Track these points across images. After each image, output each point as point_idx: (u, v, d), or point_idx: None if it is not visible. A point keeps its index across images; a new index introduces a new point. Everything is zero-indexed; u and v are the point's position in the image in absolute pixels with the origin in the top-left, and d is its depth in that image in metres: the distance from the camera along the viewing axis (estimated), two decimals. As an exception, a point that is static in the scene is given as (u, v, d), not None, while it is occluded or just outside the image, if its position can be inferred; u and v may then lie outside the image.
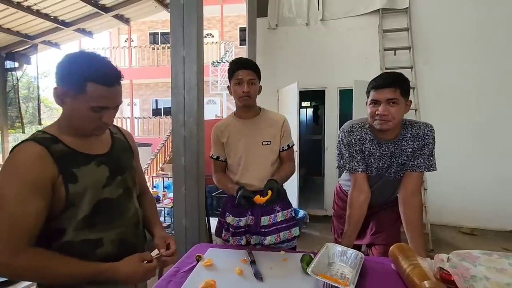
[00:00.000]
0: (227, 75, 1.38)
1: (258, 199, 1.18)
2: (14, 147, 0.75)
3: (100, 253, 0.82)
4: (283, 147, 1.41)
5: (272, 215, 1.38)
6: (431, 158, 1.24)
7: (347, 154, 1.31)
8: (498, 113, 3.60)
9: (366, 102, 1.26)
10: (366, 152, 1.29)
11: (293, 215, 1.46)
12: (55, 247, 0.78)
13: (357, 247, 1.40)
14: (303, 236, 3.37)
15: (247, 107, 1.38)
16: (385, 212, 1.44)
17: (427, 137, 1.23)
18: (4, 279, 1.64)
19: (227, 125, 1.42)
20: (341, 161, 1.34)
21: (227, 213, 1.44)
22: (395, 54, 3.83)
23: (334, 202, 1.67)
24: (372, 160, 1.29)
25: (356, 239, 1.42)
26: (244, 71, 1.30)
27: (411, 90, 3.71)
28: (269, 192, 1.18)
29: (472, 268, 1.00)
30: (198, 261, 1.19)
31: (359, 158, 1.29)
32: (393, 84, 1.17)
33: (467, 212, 3.72)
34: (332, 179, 4.16)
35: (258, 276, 1.06)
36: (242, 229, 1.38)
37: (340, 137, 1.33)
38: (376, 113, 1.19)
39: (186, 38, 1.80)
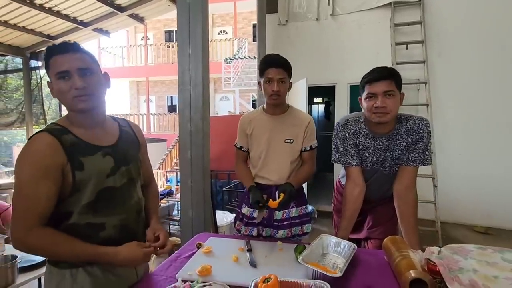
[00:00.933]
0: (258, 71, 1.40)
1: (271, 203, 1.22)
2: (30, 137, 0.85)
3: (103, 236, 0.90)
4: (305, 148, 1.41)
5: (286, 210, 1.42)
6: (426, 153, 1.25)
7: (341, 148, 1.34)
8: (516, 108, 3.46)
9: (360, 98, 1.28)
10: (361, 146, 1.31)
11: (307, 211, 1.49)
12: (63, 228, 0.86)
13: (357, 242, 1.42)
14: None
15: (275, 105, 1.41)
16: (382, 207, 1.45)
17: (421, 131, 1.23)
18: (28, 264, 1.78)
19: (253, 118, 1.45)
20: (336, 155, 1.36)
21: (244, 204, 1.50)
22: (407, 49, 3.75)
23: (334, 197, 1.70)
24: (367, 154, 1.31)
25: (353, 233, 1.44)
26: (274, 70, 1.30)
27: (423, 85, 3.63)
28: (282, 194, 1.21)
29: (462, 261, 1.01)
30: (198, 248, 1.26)
31: (353, 152, 1.31)
32: (389, 76, 1.19)
33: (481, 211, 3.62)
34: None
35: (252, 263, 1.12)
36: (255, 220, 1.42)
37: (336, 131, 1.36)
38: (374, 106, 1.19)
39: (191, 36, 1.86)
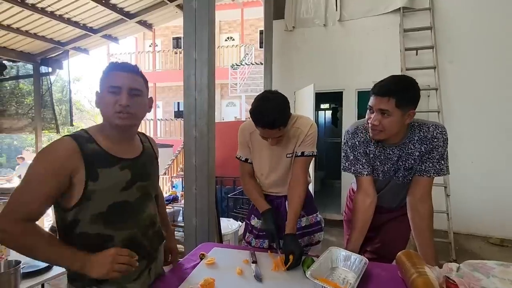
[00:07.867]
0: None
1: (279, 265, 1.13)
2: (58, 139, 0.86)
3: (111, 247, 0.88)
4: (296, 153, 1.29)
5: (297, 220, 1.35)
6: (442, 162, 1.17)
7: (351, 157, 1.28)
8: (532, 115, 3.34)
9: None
10: (371, 155, 1.25)
11: (318, 219, 1.43)
12: (72, 236, 0.86)
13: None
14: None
15: None
16: (396, 222, 1.38)
17: (435, 139, 1.15)
18: (31, 269, 1.75)
19: (253, 132, 1.33)
20: (346, 163, 1.30)
21: (253, 216, 1.45)
22: (417, 54, 3.68)
23: (346, 205, 1.63)
24: (378, 163, 1.25)
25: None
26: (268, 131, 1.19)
27: (434, 91, 3.55)
28: (291, 257, 1.10)
29: (484, 279, 0.94)
30: (201, 259, 1.21)
31: (364, 161, 1.25)
32: (388, 93, 1.07)
33: (496, 222, 3.48)
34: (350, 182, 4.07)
35: (257, 277, 1.06)
36: (266, 232, 1.36)
37: (345, 138, 1.30)
38: (369, 121, 1.15)
39: (198, 41, 1.84)
